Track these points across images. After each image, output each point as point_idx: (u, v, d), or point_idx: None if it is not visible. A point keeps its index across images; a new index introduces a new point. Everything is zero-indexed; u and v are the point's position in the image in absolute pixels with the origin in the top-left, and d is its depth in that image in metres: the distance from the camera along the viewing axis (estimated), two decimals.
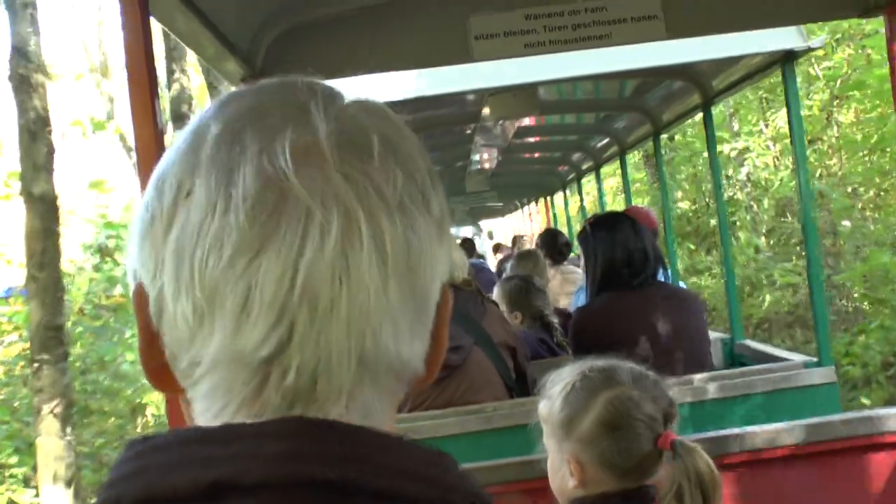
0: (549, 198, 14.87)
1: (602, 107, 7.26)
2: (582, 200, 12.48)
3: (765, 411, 4.20)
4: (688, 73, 5.26)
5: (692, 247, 15.44)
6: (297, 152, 0.74)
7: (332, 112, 0.78)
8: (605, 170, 10.34)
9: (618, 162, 9.00)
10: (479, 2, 3.35)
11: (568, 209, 13.32)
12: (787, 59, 4.38)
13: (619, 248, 4.25)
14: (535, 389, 4.50)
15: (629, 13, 3.32)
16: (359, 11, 3.35)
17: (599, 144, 9.13)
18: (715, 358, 5.56)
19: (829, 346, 4.43)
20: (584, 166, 10.58)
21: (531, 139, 9.07)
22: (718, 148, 12.46)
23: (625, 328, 4.16)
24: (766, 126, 14.41)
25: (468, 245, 13.05)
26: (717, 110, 12.56)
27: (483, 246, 20.99)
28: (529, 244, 12.27)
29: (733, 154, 14.33)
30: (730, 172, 14.42)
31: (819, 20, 4.37)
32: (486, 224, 26.62)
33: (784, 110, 5.46)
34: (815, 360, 4.38)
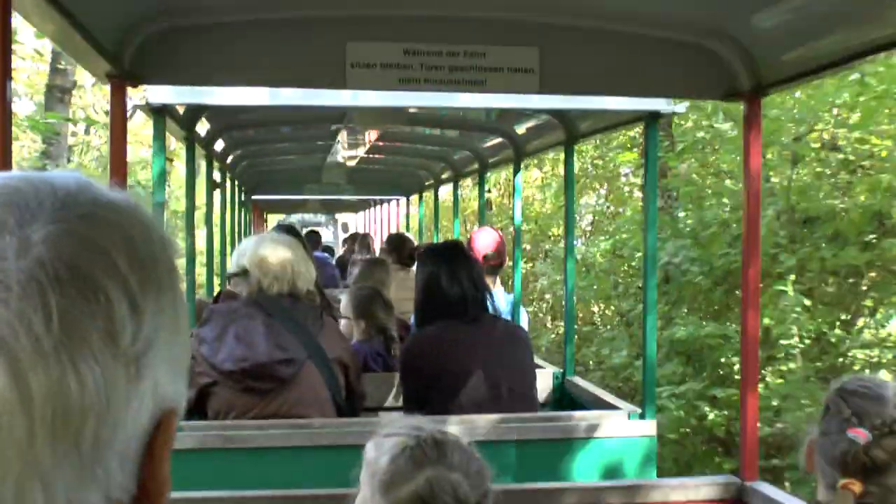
0: (407, 199, 14.91)
1: (468, 126, 7.31)
2: (437, 207, 12.54)
3: (584, 457, 4.31)
4: (556, 113, 5.34)
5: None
6: None
7: (15, 240, 0.70)
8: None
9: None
10: (359, 30, 3.32)
11: (422, 216, 13.36)
12: (651, 119, 4.50)
13: (436, 281, 4.29)
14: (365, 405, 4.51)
15: (507, 63, 3.37)
16: (235, 24, 3.27)
17: (461, 158, 9.20)
18: (544, 392, 5.68)
19: (654, 400, 4.56)
20: (444, 176, 10.64)
21: (395, 143, 9.07)
22: None
23: (452, 361, 4.18)
24: None
25: (314, 238, 12.94)
26: None
27: (336, 236, 20.93)
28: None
29: None
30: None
31: (683, 97, 4.54)
32: (342, 217, 26.50)
33: None
34: (638, 411, 4.50)
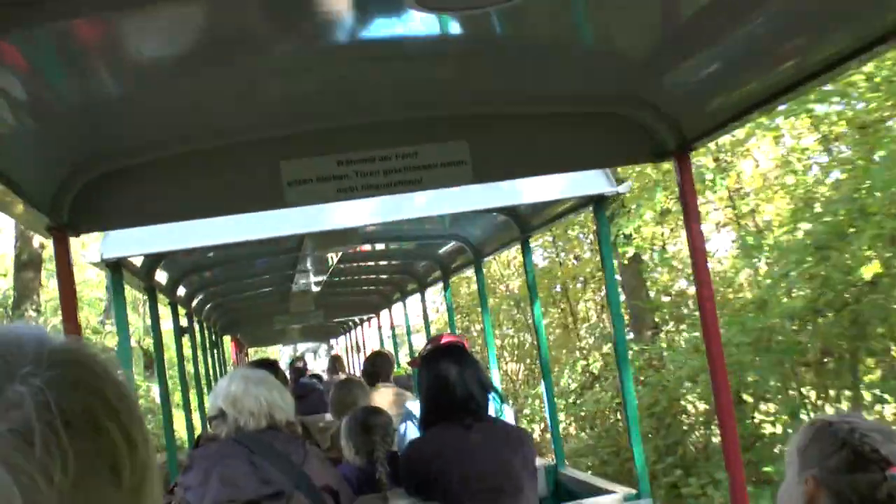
0: (378, 315, 14.91)
1: (425, 236, 7.39)
2: (407, 321, 12.55)
3: None
4: (507, 210, 5.43)
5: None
6: None
7: (26, 388, 0.73)
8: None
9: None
10: (291, 148, 3.35)
11: (394, 329, 13.37)
12: (598, 202, 4.59)
13: (444, 383, 4.28)
14: None
15: (439, 159, 3.42)
16: (168, 160, 3.28)
17: (423, 267, 9.27)
18: (539, 485, 5.64)
19: (647, 478, 4.54)
20: (409, 287, 10.69)
21: (356, 263, 9.12)
22: None
23: (450, 466, 4.15)
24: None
25: (298, 367, 12.90)
26: None
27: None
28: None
29: None
30: None
31: (614, 165, 4.59)
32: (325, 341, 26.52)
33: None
34: (634, 492, 4.48)
